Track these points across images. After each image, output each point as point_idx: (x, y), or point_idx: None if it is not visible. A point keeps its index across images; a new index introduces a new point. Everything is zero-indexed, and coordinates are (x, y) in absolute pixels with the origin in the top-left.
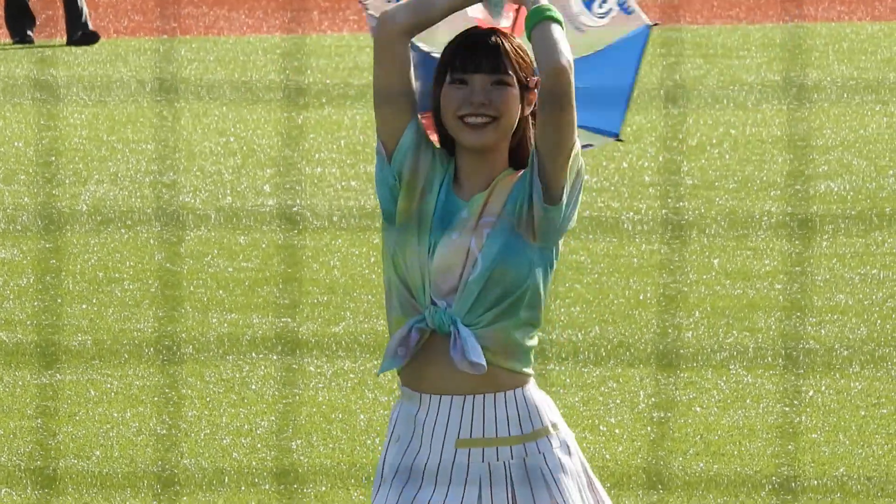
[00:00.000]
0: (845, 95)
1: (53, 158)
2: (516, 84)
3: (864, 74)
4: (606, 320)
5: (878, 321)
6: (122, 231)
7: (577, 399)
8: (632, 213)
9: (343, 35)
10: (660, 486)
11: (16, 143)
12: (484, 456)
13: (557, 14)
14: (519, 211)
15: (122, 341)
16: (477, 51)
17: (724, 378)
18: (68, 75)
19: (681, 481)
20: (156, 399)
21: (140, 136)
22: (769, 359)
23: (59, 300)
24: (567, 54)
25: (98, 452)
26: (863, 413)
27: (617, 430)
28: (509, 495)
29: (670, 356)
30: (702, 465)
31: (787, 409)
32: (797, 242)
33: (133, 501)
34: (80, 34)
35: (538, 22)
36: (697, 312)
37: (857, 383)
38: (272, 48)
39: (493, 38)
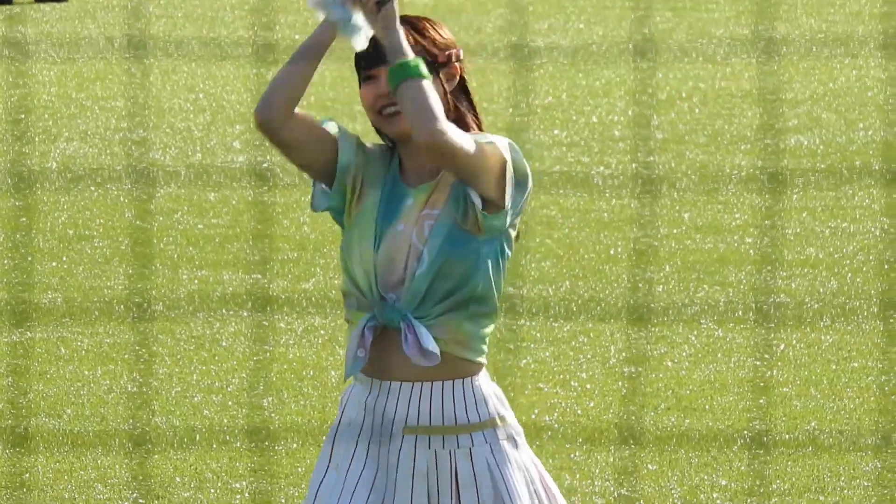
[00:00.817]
0: (814, 49)
1: (23, 116)
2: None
3: (832, 28)
4: (577, 275)
5: (849, 274)
6: (92, 189)
7: (547, 354)
8: (602, 168)
9: None
10: (632, 441)
11: None
12: (430, 443)
13: (423, 67)
14: (462, 210)
15: (92, 299)
16: (378, 44)
17: (696, 332)
18: (37, 32)
19: (652, 436)
20: (126, 357)
21: (109, 94)
22: (740, 313)
23: (30, 258)
24: (438, 115)
25: (69, 410)
26: (834, 367)
27: (588, 386)
28: (453, 489)
29: (641, 311)
30: (673, 419)
31: (758, 363)
32: (767, 196)
33: (104, 459)
34: None
35: (404, 80)
36: (668, 267)
37: (828, 337)
38: (240, 4)
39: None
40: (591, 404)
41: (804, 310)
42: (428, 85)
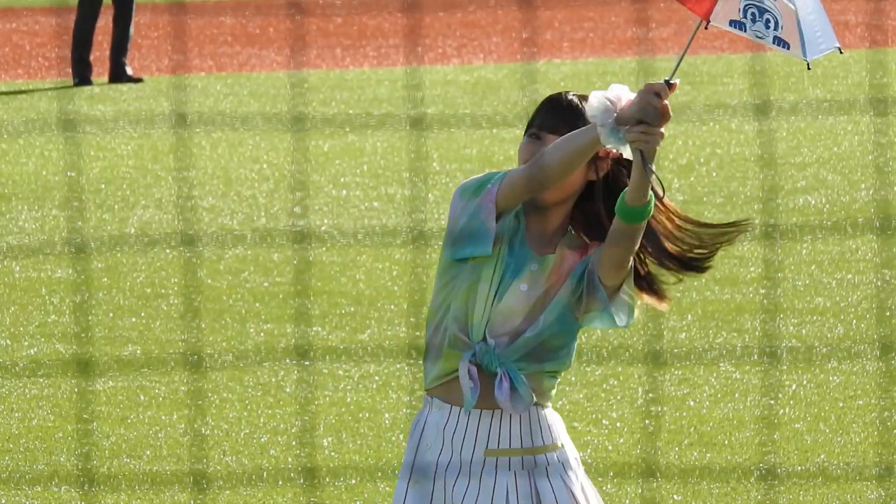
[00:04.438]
0: (819, 117)
1: (103, 186)
2: None
3: (836, 97)
4: None
5: (854, 321)
6: (167, 251)
7: (581, 396)
8: None
9: (364, 70)
10: (657, 474)
11: (68, 173)
12: (510, 464)
13: (651, 205)
14: (578, 294)
15: (168, 351)
16: (555, 110)
17: (715, 374)
18: (115, 110)
19: (676, 469)
20: (200, 403)
21: (181, 165)
22: (755, 356)
23: (111, 314)
24: (633, 259)
25: (148, 452)
26: (841, 404)
27: (618, 424)
28: (532, 486)
29: (665, 355)
30: (695, 454)
31: (771, 401)
32: (779, 251)
33: (180, 496)
34: (125, 77)
35: (641, 221)
36: (689, 316)
37: (835, 377)
38: (300, 82)
39: (575, 101)
40: (621, 441)
41: (813, 353)
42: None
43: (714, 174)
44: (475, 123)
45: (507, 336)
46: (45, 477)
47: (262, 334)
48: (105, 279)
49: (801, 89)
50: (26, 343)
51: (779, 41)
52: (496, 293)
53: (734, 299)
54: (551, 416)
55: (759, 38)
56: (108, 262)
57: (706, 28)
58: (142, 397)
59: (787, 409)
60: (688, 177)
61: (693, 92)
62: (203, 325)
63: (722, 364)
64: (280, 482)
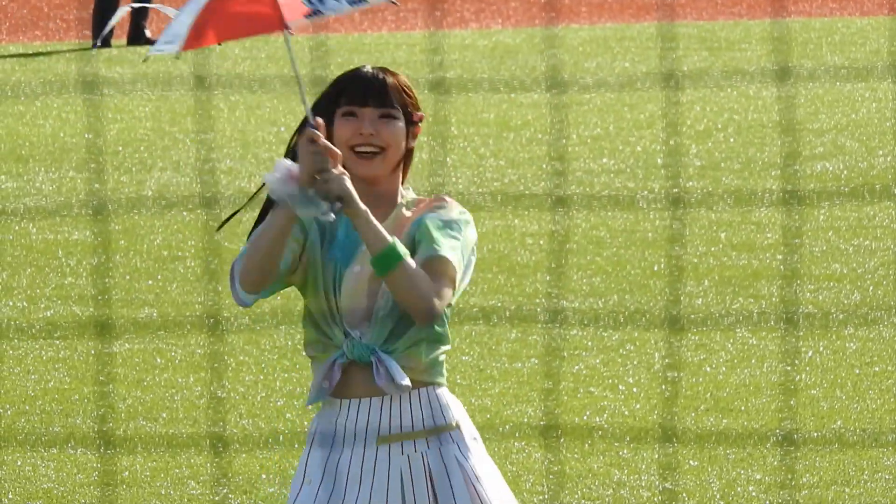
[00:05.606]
0: (837, 83)
1: (121, 148)
2: (402, 118)
3: (854, 63)
4: (624, 289)
5: (871, 287)
6: (185, 214)
7: (597, 361)
8: (646, 192)
9: (382, 34)
10: (674, 440)
11: (86, 135)
12: (403, 449)
13: (403, 249)
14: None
15: (185, 313)
16: (366, 84)
17: (731, 340)
18: (134, 72)
19: (693, 435)
20: (216, 365)
21: (200, 127)
22: (772, 322)
23: (128, 277)
24: (430, 291)
25: (164, 414)
26: (857, 371)
27: (634, 389)
28: (429, 489)
29: (682, 321)
30: (712, 420)
31: (788, 368)
32: (796, 217)
33: (197, 458)
34: (144, 39)
35: (393, 268)
36: (706, 281)
37: (852, 344)
38: (318, 46)
39: (380, 75)
40: (638, 406)
41: (830, 319)
42: (409, 263)
43: (732, 140)
44: (493, 88)
45: (363, 321)
46: (61, 439)
47: (278, 297)
48: (122, 241)
49: (820, 56)
50: (43, 305)
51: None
52: (334, 289)
53: (751, 265)
54: (445, 396)
55: (338, 9)
56: (126, 224)
57: (291, 33)
58: (158, 360)
59: (803, 376)
60: (705, 142)
61: (711, 58)
62: (220, 288)
63: (739, 330)
64: (297, 445)
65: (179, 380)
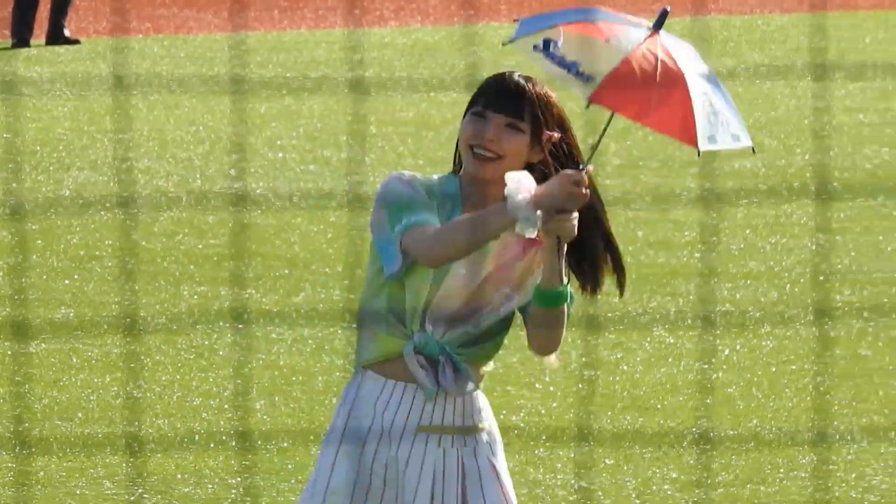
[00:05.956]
0: (757, 81)
1: (39, 148)
2: (529, 132)
3: (774, 62)
4: None
5: (788, 285)
6: (102, 213)
7: (515, 359)
8: None
9: (301, 32)
10: (590, 439)
11: (4, 135)
12: (441, 441)
13: (570, 290)
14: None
15: (101, 313)
16: (502, 91)
17: (648, 339)
18: (52, 71)
19: (609, 433)
20: (132, 365)
21: (118, 127)
22: (689, 321)
23: (45, 276)
24: (560, 340)
25: (80, 415)
26: (773, 369)
27: (551, 388)
28: (459, 484)
29: (599, 319)
30: (628, 418)
31: (705, 366)
32: (714, 215)
33: (112, 458)
34: (62, 39)
35: (557, 307)
36: None
37: (768, 342)
38: (237, 44)
39: (522, 83)
40: (554, 405)
41: (746, 318)
42: (566, 308)
43: (650, 138)
44: (412, 86)
45: (445, 322)
46: None
47: (196, 297)
48: (39, 241)
49: (740, 54)
50: None
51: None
52: (433, 279)
53: (669, 263)
54: (482, 399)
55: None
56: (43, 224)
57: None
58: (75, 360)
59: (720, 374)
60: (624, 140)
61: None
62: (137, 288)
63: (656, 328)
64: (212, 445)
65: (95, 380)
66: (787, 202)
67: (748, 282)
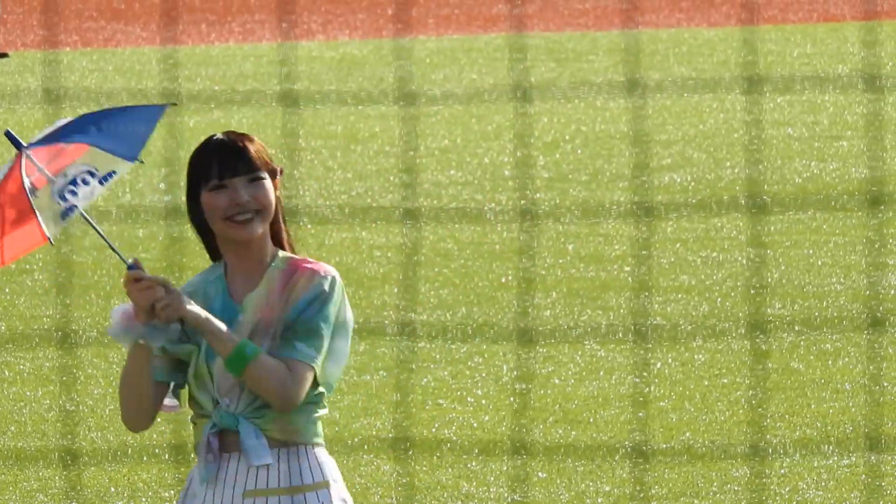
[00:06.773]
0: (685, 94)
1: None
2: (267, 175)
3: (702, 75)
4: (472, 301)
5: (719, 299)
6: None
7: (446, 373)
8: (493, 204)
9: (229, 45)
10: (523, 452)
11: None
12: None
13: (252, 348)
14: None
15: (32, 326)
16: (225, 154)
17: (580, 353)
18: None
19: (542, 447)
20: (64, 379)
21: None
22: (620, 334)
23: None
24: (288, 381)
25: (13, 428)
26: (706, 383)
27: (483, 401)
28: None
29: (530, 333)
30: (560, 432)
31: (637, 380)
32: (644, 229)
33: (45, 472)
34: None
35: (246, 366)
36: (554, 293)
37: (700, 356)
38: (166, 58)
39: (233, 139)
40: (486, 418)
41: (678, 331)
42: (261, 360)
43: (580, 151)
44: (341, 100)
45: (234, 389)
46: None
47: None
48: None
49: (667, 67)
50: None
51: (104, 178)
52: (204, 354)
53: (599, 277)
54: (320, 455)
55: (92, 194)
56: None
57: (51, 244)
58: (7, 373)
59: (652, 388)
60: (553, 154)
61: (558, 69)
62: (69, 301)
63: (587, 342)
64: (146, 458)
65: (28, 393)
66: (717, 216)
67: (679, 295)
